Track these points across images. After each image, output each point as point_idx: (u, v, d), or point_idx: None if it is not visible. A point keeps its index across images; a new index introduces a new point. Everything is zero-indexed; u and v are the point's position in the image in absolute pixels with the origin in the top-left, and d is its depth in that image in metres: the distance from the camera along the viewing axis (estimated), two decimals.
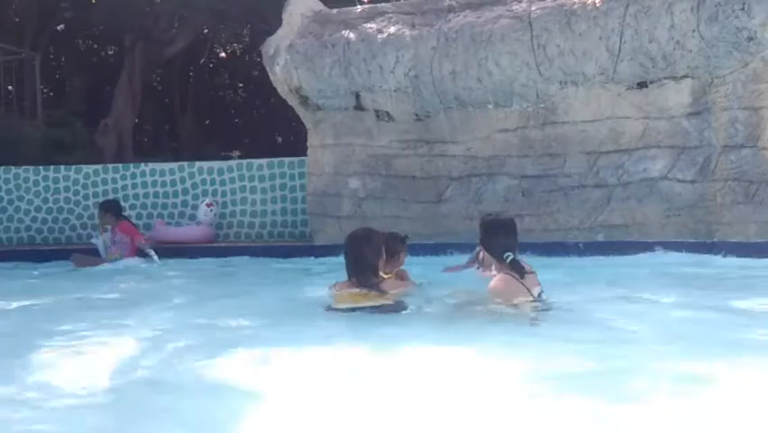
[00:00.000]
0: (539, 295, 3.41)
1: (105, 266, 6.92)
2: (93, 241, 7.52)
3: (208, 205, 8.72)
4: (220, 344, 2.96)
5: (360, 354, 2.63)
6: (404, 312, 3.48)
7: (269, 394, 2.13)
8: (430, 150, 7.10)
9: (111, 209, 7.36)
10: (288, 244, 8.15)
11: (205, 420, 1.95)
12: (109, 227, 7.25)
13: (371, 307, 3.46)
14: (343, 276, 3.72)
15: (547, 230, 6.59)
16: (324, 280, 4.43)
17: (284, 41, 7.44)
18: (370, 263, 3.63)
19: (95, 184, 9.42)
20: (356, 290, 3.55)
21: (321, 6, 7.75)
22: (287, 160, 8.96)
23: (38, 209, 9.50)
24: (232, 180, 9.02)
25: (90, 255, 7.23)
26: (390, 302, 3.53)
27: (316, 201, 7.59)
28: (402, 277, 4.37)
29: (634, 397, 2.02)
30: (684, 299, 3.90)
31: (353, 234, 3.76)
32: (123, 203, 9.24)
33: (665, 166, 6.26)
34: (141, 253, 7.22)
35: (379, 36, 6.97)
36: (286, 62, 7.31)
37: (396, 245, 4.34)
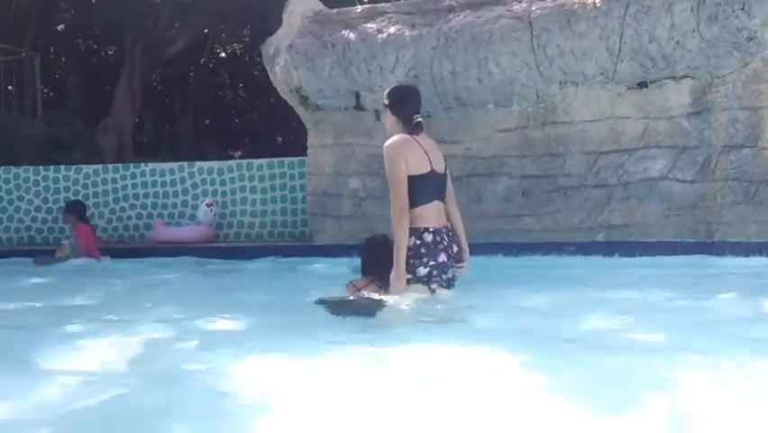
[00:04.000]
0: None
1: (58, 264, 7.01)
2: (64, 243, 7.62)
3: (208, 205, 8.72)
4: (219, 344, 2.96)
5: (361, 355, 2.63)
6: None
7: (266, 396, 2.13)
8: None
9: (74, 211, 7.48)
10: (288, 244, 8.15)
11: (203, 422, 1.95)
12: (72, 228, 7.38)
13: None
14: (344, 278, 3.79)
15: (547, 230, 6.59)
16: (325, 280, 4.43)
17: (284, 41, 7.44)
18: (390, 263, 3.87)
19: (95, 184, 9.43)
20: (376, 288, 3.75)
21: (321, 6, 7.74)
22: (287, 160, 8.96)
23: (38, 209, 9.51)
24: (232, 180, 9.03)
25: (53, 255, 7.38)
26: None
27: (316, 201, 7.59)
28: None
29: (633, 398, 2.01)
30: (683, 299, 3.90)
31: (373, 237, 4.05)
32: (123, 203, 9.31)
33: (665, 166, 6.26)
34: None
35: (379, 36, 6.97)
36: (286, 62, 7.31)
37: None
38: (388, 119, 3.75)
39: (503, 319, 3.40)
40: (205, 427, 1.90)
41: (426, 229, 3.52)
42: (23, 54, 12.78)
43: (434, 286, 3.51)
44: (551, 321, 3.36)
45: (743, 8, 5.69)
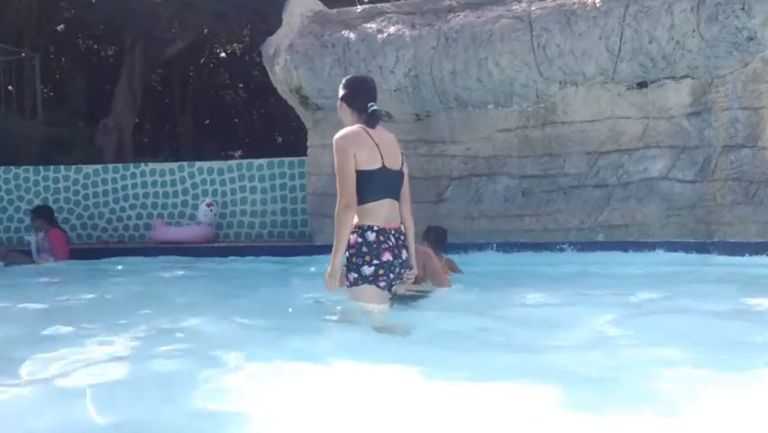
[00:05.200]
0: None
1: (32, 266, 7.05)
2: (26, 238, 7.68)
3: (208, 205, 8.72)
4: (218, 345, 2.96)
5: (359, 358, 2.63)
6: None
7: (265, 398, 2.13)
8: (430, 150, 7.10)
9: (41, 215, 7.54)
10: (288, 244, 8.15)
11: (201, 425, 1.94)
12: (42, 232, 7.39)
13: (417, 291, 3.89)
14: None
15: (547, 230, 6.59)
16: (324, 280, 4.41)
17: (284, 41, 7.44)
18: None
19: (95, 184, 9.43)
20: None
21: (321, 6, 7.75)
22: (287, 160, 8.97)
23: None
24: (232, 180, 9.03)
25: (23, 254, 7.40)
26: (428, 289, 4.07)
27: (316, 201, 7.59)
28: (452, 268, 5.17)
29: (632, 399, 2.01)
30: (682, 299, 3.90)
31: None
32: (123, 203, 9.31)
33: (665, 166, 6.27)
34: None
35: (379, 36, 6.97)
36: (286, 62, 7.31)
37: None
38: (345, 112, 3.53)
39: (498, 317, 3.40)
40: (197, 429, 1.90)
41: (370, 227, 3.33)
42: (23, 54, 12.78)
43: (382, 285, 3.34)
44: (548, 322, 3.36)
45: (743, 8, 5.70)
